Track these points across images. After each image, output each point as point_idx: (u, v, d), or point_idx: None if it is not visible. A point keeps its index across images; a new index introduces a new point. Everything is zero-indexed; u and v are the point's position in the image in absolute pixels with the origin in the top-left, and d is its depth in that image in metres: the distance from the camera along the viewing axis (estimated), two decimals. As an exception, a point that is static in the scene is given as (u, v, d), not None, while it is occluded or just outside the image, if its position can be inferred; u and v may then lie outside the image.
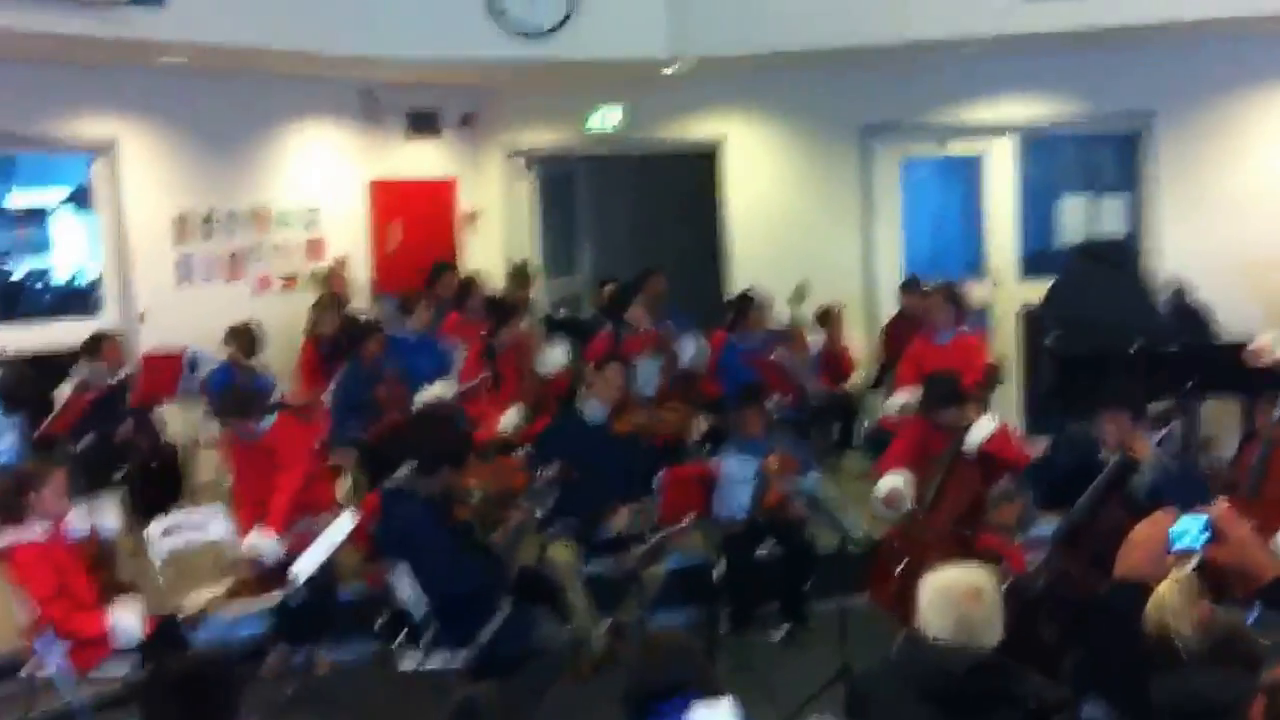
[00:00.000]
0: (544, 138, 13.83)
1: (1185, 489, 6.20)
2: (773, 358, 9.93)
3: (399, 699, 7.32)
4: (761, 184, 12.98)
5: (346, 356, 10.23)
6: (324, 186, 12.64)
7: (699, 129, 13.19)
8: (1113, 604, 3.69)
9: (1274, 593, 3.59)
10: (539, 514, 8.25)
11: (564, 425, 8.72)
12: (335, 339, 10.69)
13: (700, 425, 8.90)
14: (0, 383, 9.22)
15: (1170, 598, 3.87)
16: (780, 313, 10.89)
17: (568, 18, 11.17)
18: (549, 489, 8.20)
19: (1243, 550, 3.64)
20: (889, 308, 11.97)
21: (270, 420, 8.09)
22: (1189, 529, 3.60)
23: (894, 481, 7.91)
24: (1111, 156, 12.73)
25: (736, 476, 7.82)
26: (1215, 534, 3.62)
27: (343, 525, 7.24)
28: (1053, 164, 13.02)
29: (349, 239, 12.81)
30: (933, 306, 10.00)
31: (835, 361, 11.23)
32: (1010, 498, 7.14)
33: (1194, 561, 4.08)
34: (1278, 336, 8.45)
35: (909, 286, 11.44)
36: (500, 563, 7.20)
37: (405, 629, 7.15)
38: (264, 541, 7.71)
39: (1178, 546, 3.59)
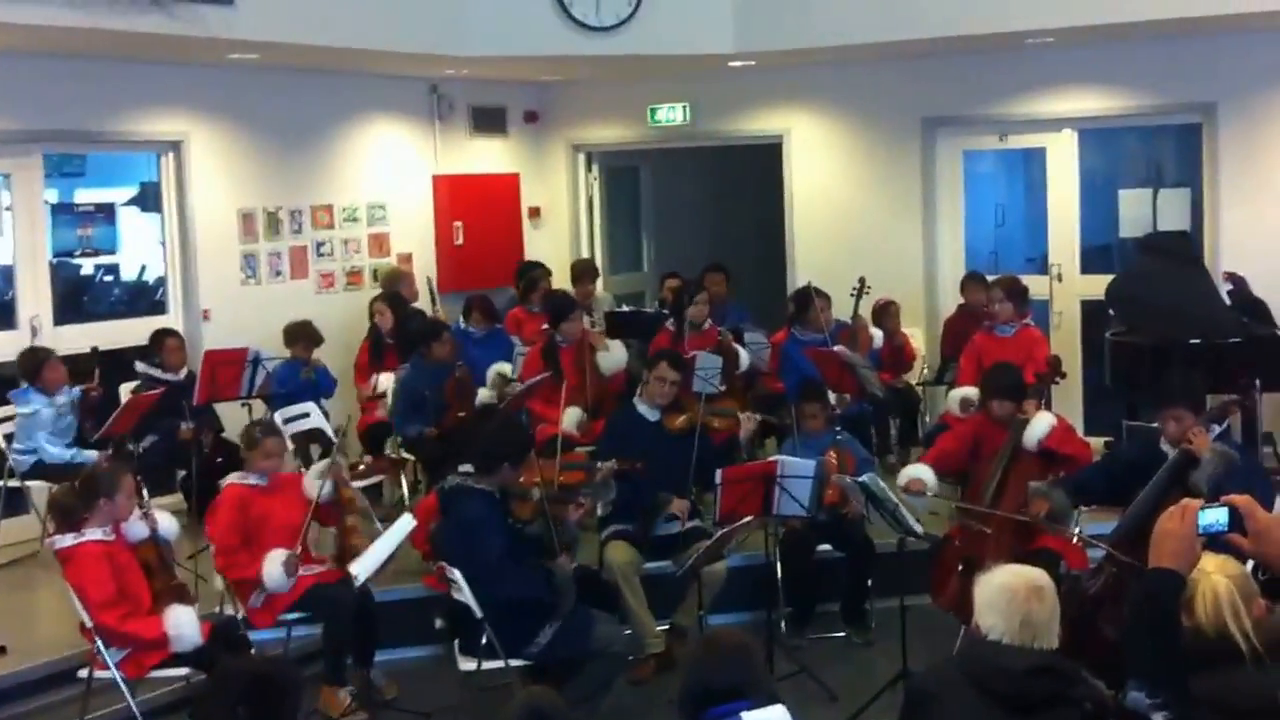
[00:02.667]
0: (608, 133, 13.88)
1: (1248, 483, 6.14)
2: (834, 351, 9.88)
3: (458, 700, 7.36)
4: (824, 177, 12.94)
5: (403, 355, 10.26)
6: (389, 183, 12.66)
7: (763, 123, 13.18)
8: (1149, 590, 3.71)
9: None
10: (600, 511, 8.28)
11: (622, 422, 8.72)
12: (389, 337, 10.72)
13: (750, 425, 8.84)
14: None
15: (1228, 596, 3.88)
16: (843, 307, 10.84)
17: (634, 13, 11.19)
18: (609, 485, 8.19)
19: (1266, 539, 3.66)
20: (951, 301, 11.90)
21: None
22: (1215, 518, 3.61)
23: (919, 471, 7.95)
24: (1172, 149, 12.64)
25: (796, 473, 7.76)
26: (1240, 523, 3.63)
27: (402, 526, 7.29)
28: (1114, 157, 12.95)
29: (414, 235, 12.85)
30: (994, 300, 9.98)
31: (895, 356, 11.19)
32: (1041, 494, 7.19)
33: (1249, 563, 4.09)
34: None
35: (971, 280, 11.39)
36: (552, 573, 7.17)
37: (463, 630, 7.18)
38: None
39: (1204, 526, 3.62)
